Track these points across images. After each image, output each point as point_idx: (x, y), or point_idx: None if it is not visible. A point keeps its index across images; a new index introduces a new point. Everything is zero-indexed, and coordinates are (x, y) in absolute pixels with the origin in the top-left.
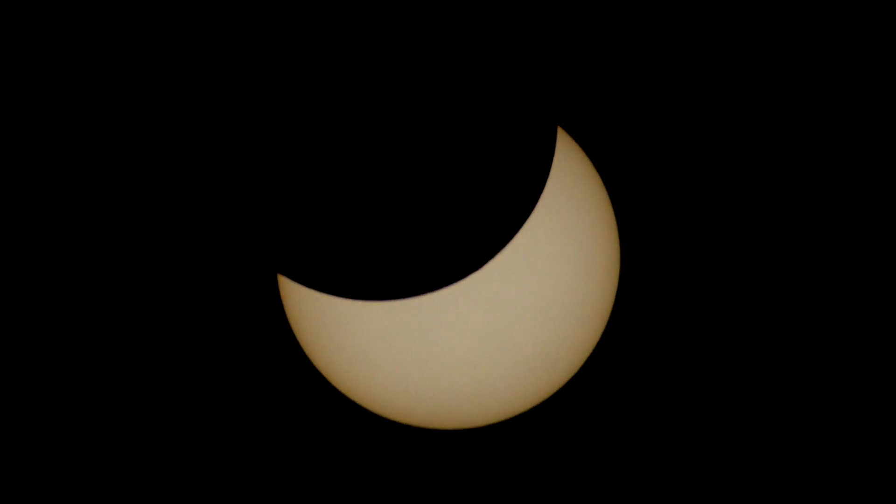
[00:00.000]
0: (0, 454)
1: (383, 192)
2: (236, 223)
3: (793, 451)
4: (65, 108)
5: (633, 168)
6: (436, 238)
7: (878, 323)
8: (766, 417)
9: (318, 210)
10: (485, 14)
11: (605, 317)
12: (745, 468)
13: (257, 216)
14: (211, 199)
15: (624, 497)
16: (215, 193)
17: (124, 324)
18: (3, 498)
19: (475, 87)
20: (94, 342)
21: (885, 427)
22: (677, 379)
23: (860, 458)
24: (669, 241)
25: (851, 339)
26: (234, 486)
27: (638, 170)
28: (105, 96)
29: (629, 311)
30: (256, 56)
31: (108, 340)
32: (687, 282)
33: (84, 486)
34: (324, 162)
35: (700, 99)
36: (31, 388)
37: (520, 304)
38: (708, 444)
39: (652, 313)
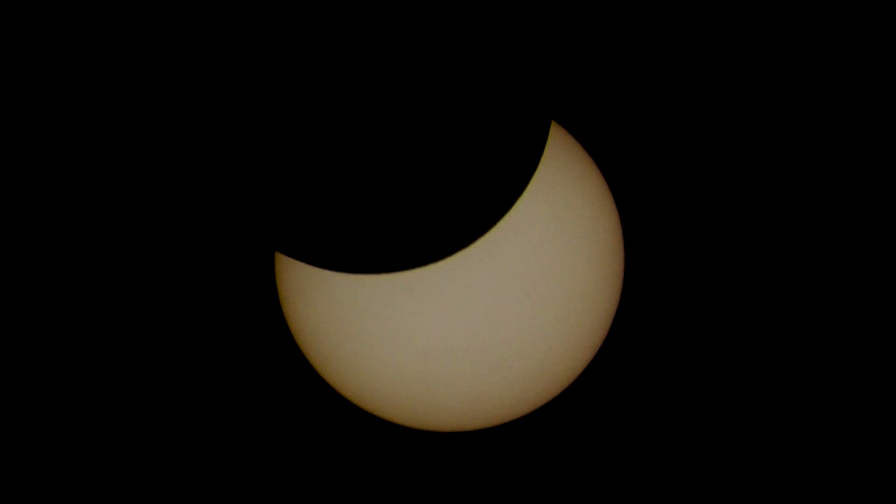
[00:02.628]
0: None
1: (372, 167)
2: (229, 203)
3: (795, 450)
4: (56, 96)
5: (636, 168)
6: (424, 215)
7: (884, 323)
8: (772, 419)
9: (312, 188)
10: (483, 5)
11: (614, 304)
12: (752, 468)
13: (248, 193)
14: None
15: (630, 500)
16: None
17: (113, 311)
18: (3, 498)
19: (471, 70)
20: (83, 335)
21: (886, 430)
22: (687, 379)
23: (861, 460)
24: (673, 239)
25: (855, 332)
26: (222, 481)
27: (641, 170)
28: (96, 81)
29: (636, 305)
30: (247, 40)
31: (96, 330)
32: (693, 278)
33: (74, 484)
34: (317, 146)
35: (699, 98)
36: (16, 382)
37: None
38: (724, 447)
39: (660, 309)
